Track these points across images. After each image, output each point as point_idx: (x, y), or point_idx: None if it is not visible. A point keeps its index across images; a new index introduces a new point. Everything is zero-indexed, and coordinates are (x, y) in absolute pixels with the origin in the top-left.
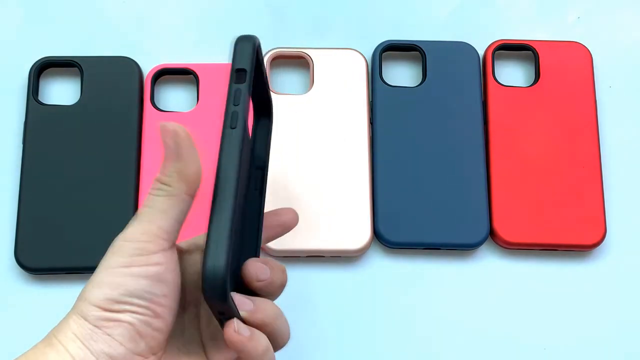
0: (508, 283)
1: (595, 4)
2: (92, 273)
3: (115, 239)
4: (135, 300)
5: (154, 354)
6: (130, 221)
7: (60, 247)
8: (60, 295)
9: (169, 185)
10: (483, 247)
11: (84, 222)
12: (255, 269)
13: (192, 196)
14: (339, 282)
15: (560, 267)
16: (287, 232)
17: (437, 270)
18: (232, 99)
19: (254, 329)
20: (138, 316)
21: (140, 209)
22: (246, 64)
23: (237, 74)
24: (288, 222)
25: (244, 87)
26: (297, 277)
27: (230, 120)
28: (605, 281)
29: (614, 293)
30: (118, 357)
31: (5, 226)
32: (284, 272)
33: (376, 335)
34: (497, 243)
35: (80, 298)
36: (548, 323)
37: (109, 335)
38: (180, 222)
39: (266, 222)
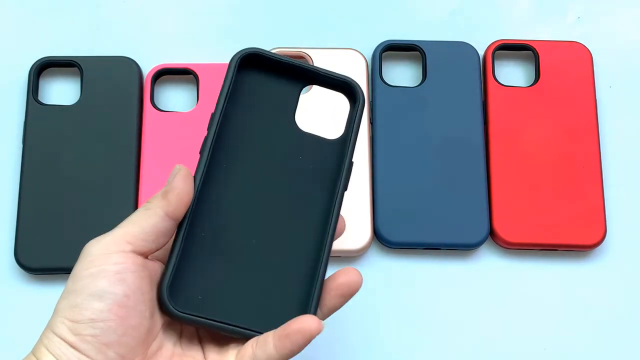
0: (508, 283)
1: (595, 4)
2: None
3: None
4: (96, 304)
5: (136, 356)
6: None
7: (60, 247)
8: (60, 295)
9: (149, 202)
10: (483, 247)
11: (84, 222)
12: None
13: (169, 215)
14: None
15: (560, 267)
16: (348, 298)
17: (437, 270)
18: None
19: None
20: (100, 324)
21: None
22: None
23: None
24: (346, 284)
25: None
26: None
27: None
28: (605, 281)
29: (614, 293)
30: None
31: (5, 226)
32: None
33: (376, 335)
34: (497, 243)
35: (53, 312)
36: (548, 323)
37: (76, 349)
38: (149, 233)
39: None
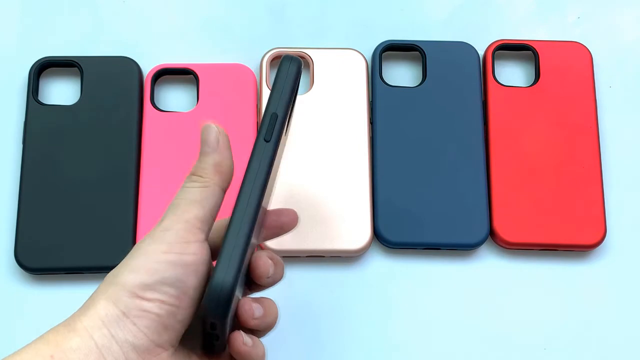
0: (508, 283)
1: (595, 4)
2: (97, 271)
3: (152, 230)
4: (167, 289)
5: (172, 346)
6: (165, 213)
7: (60, 247)
8: (60, 295)
9: (203, 177)
10: (483, 247)
11: (84, 222)
12: (267, 266)
13: (224, 190)
14: (339, 282)
15: (560, 267)
16: (285, 233)
17: (437, 270)
18: (269, 121)
19: (254, 337)
20: (166, 307)
21: (174, 201)
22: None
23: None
24: (287, 223)
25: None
26: (297, 277)
27: (265, 132)
28: (605, 281)
29: (614, 293)
30: (141, 348)
31: (5, 226)
32: (283, 268)
33: (376, 335)
34: (497, 243)
35: (111, 282)
36: (548, 323)
37: (135, 325)
38: (213, 214)
39: (266, 221)
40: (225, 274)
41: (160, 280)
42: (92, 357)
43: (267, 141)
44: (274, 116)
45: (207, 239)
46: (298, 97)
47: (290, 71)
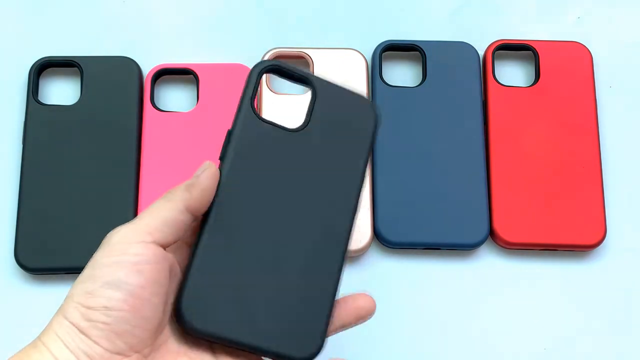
0: (508, 283)
1: (595, 4)
2: None
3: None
4: (110, 293)
5: (137, 351)
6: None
7: (60, 247)
8: (60, 295)
9: (171, 193)
10: (483, 247)
11: (84, 222)
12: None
13: (192, 213)
14: None
15: (560, 267)
16: (361, 322)
17: (437, 270)
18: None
19: None
20: (114, 313)
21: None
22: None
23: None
24: (361, 308)
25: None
26: None
27: (220, 153)
28: (605, 281)
29: (614, 293)
30: (96, 357)
31: (5, 226)
32: None
33: (376, 335)
34: (497, 243)
35: (66, 297)
36: (548, 323)
37: (85, 335)
38: (170, 225)
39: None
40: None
41: (102, 284)
42: None
43: (221, 160)
44: (228, 134)
45: (158, 243)
46: (298, 97)
47: (250, 77)
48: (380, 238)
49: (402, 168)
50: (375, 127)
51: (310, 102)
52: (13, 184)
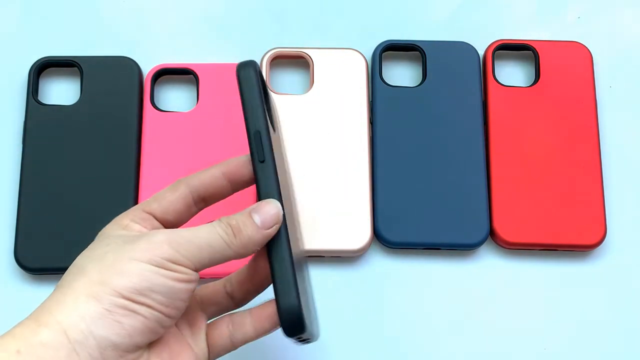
0: (508, 283)
1: (595, 4)
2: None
3: (153, 232)
4: (156, 296)
5: (144, 351)
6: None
7: (60, 247)
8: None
9: (228, 227)
10: (483, 247)
11: (84, 222)
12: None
13: (238, 251)
14: (339, 282)
15: (560, 267)
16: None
17: (437, 270)
18: (255, 141)
19: None
20: (155, 313)
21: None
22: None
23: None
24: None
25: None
26: None
27: (257, 154)
28: (605, 281)
29: (614, 293)
30: (121, 347)
31: (5, 226)
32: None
33: (376, 335)
34: (497, 243)
35: (92, 282)
36: (548, 323)
37: (119, 323)
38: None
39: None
40: (288, 297)
41: (152, 287)
42: (62, 352)
43: (262, 162)
44: (257, 134)
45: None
46: (298, 97)
47: (250, 78)
48: (380, 238)
49: (402, 168)
50: None
51: None
52: (13, 184)
